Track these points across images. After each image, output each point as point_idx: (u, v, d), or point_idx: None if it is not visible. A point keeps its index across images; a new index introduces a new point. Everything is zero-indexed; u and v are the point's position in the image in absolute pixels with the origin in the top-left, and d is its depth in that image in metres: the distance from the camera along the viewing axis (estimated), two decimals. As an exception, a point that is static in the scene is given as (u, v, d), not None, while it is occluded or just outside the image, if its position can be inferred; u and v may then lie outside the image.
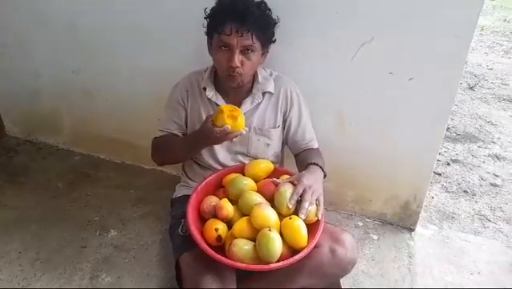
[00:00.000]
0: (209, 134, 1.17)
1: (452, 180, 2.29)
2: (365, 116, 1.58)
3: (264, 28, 1.26)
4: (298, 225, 1.09)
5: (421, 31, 1.35)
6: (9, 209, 1.80)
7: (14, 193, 1.90)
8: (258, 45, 1.25)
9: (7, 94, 2.21)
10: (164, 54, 1.73)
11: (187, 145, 1.34)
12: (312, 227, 1.13)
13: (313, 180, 1.20)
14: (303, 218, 1.11)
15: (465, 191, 2.19)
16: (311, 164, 1.29)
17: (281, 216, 1.14)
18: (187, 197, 1.25)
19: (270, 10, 1.28)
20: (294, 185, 1.18)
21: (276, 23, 1.30)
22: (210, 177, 1.30)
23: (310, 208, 1.13)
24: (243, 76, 1.27)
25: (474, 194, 2.17)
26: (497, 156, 2.56)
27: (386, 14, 1.36)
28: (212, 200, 1.22)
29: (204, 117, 1.33)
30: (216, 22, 1.23)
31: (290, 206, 1.12)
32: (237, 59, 1.22)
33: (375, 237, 1.71)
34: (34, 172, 2.06)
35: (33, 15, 1.90)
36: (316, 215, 1.15)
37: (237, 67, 1.23)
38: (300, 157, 1.43)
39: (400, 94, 1.47)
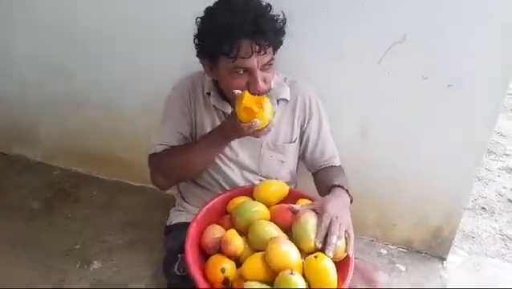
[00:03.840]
0: (237, 131, 1.02)
1: (468, 196, 2.22)
2: (392, 127, 1.44)
3: (280, 34, 1.07)
4: (325, 266, 0.91)
5: (463, 29, 1.22)
6: (-26, 234, 1.64)
7: (-19, 216, 1.75)
8: (274, 54, 1.08)
9: (-23, 100, 2.09)
10: (156, 61, 1.62)
11: (208, 145, 1.11)
12: (340, 265, 0.96)
13: (339, 207, 1.02)
14: (331, 256, 0.92)
15: (482, 208, 2.13)
16: (335, 186, 1.10)
17: (302, 252, 0.95)
18: (185, 225, 1.08)
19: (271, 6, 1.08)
20: (316, 213, 0.99)
21: (285, 21, 1.09)
22: (212, 202, 1.12)
23: (338, 243, 0.95)
24: (266, 92, 1.08)
25: (493, 212, 2.10)
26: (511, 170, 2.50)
27: (421, 9, 1.22)
28: (215, 231, 1.04)
29: (207, 129, 1.18)
30: (222, 44, 1.00)
31: (319, 245, 0.93)
32: (260, 79, 1.03)
33: (403, 268, 1.56)
34: (6, 189, 1.93)
35: (10, 9, 1.78)
36: (346, 251, 0.97)
37: (262, 87, 1.05)
38: (319, 177, 1.26)
39: (436, 102, 1.34)
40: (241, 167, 1.24)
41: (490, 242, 1.83)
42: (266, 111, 0.98)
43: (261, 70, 1.04)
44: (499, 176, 2.40)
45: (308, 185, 1.29)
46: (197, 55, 1.12)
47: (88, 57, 1.75)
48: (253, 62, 1.01)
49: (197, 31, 1.09)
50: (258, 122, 0.96)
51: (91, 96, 1.85)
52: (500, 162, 2.54)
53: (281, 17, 1.07)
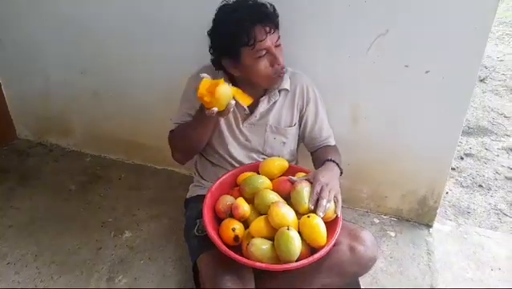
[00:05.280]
0: (204, 115, 1.13)
1: (466, 174, 2.27)
2: (380, 110, 1.55)
3: (277, 16, 1.24)
4: (317, 224, 1.08)
5: (438, 22, 1.33)
6: (22, 212, 1.80)
7: (26, 196, 1.90)
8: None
9: (18, 97, 2.22)
10: (174, 52, 1.71)
11: (197, 123, 1.27)
12: (330, 225, 1.12)
13: (329, 177, 1.19)
14: (322, 216, 1.10)
15: (480, 185, 2.17)
16: (328, 160, 1.27)
17: (298, 214, 1.12)
18: (201, 197, 1.24)
19: None
20: (310, 182, 1.16)
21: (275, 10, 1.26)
22: (224, 176, 1.29)
23: (328, 205, 1.12)
24: (284, 70, 1.27)
25: (489, 188, 2.15)
26: (511, 149, 2.52)
27: (401, 6, 1.33)
28: (227, 199, 1.21)
29: None
30: (242, 35, 1.15)
31: (312, 207, 1.10)
32: (279, 56, 1.21)
33: (393, 234, 1.69)
34: (46, 174, 2.07)
35: (40, 15, 1.90)
36: (335, 212, 1.14)
37: (283, 63, 1.22)
38: (316, 154, 1.41)
39: (417, 87, 1.44)
40: (249, 149, 1.39)
41: (485, 217, 1.90)
42: (219, 98, 1.06)
43: (276, 48, 1.21)
44: (498, 155, 2.43)
45: (305, 164, 1.43)
46: (215, 61, 1.28)
47: (109, 54, 1.85)
48: (269, 42, 1.18)
49: (210, 41, 1.25)
50: (215, 109, 1.07)
51: (113, 90, 1.95)
52: (500, 142, 2.56)
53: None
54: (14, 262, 1.53)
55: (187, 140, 1.32)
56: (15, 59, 2.08)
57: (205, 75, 1.11)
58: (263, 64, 1.21)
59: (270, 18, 1.19)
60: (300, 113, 1.40)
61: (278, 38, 1.22)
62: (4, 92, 2.22)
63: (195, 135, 1.30)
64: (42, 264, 1.52)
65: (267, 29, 1.17)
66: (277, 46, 1.22)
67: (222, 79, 1.10)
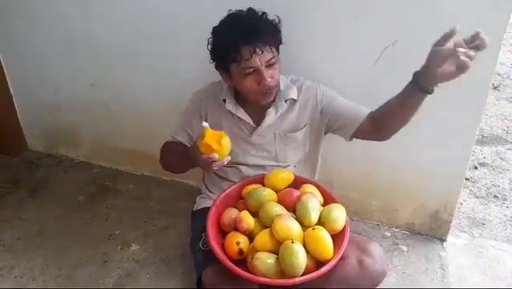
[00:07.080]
0: (196, 159, 1.11)
1: (480, 184, 2.22)
2: None
3: (276, 33, 1.22)
4: (323, 236, 1.05)
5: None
6: (31, 223, 1.81)
7: (35, 208, 1.91)
8: (275, 52, 1.22)
9: (28, 109, 2.25)
10: (181, 63, 1.72)
11: (186, 158, 1.26)
12: (337, 237, 1.09)
13: None
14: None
15: (495, 196, 2.13)
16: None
17: (303, 227, 1.10)
18: (207, 209, 1.23)
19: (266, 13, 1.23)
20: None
21: (280, 22, 1.24)
22: (229, 189, 1.27)
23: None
24: (275, 88, 1.25)
25: (505, 199, 2.10)
26: (527, 159, 2.44)
27: (409, 16, 1.31)
28: (232, 212, 1.19)
29: (225, 131, 1.29)
30: (229, 53, 1.16)
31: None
32: (267, 76, 1.18)
33: (405, 248, 1.64)
34: (55, 185, 2.08)
35: (50, 30, 1.93)
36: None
37: (270, 83, 1.20)
38: (376, 114, 1.26)
39: (428, 98, 1.34)
40: (262, 158, 1.37)
41: (501, 228, 1.85)
42: (223, 148, 1.07)
43: (266, 67, 1.18)
44: (514, 165, 2.35)
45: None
46: (216, 69, 1.29)
47: (117, 67, 1.87)
48: (256, 61, 1.16)
49: (210, 50, 1.25)
50: (216, 156, 1.06)
51: (121, 103, 1.96)
52: (516, 152, 2.48)
53: (276, 20, 1.22)
54: (20, 276, 1.53)
55: (170, 163, 1.39)
56: (26, 72, 2.12)
57: (206, 124, 1.10)
58: (249, 82, 1.20)
59: (259, 38, 1.15)
60: (319, 108, 1.33)
61: (272, 57, 1.19)
62: (16, 104, 2.25)
63: (179, 166, 1.37)
64: (49, 278, 1.52)
65: (254, 49, 1.14)
66: (269, 65, 1.19)
67: (223, 132, 1.11)
